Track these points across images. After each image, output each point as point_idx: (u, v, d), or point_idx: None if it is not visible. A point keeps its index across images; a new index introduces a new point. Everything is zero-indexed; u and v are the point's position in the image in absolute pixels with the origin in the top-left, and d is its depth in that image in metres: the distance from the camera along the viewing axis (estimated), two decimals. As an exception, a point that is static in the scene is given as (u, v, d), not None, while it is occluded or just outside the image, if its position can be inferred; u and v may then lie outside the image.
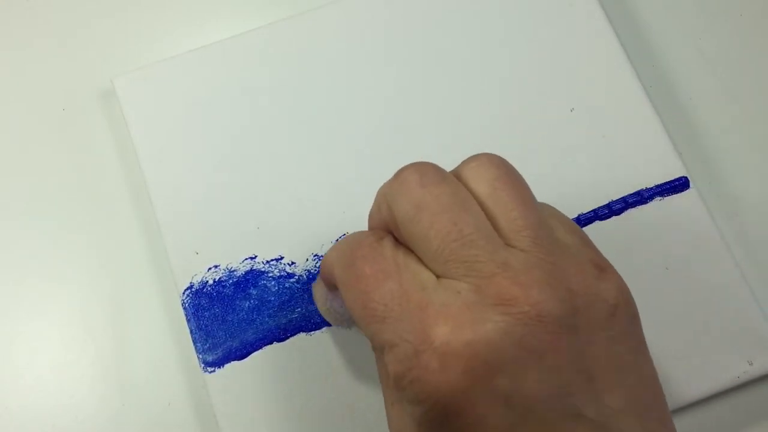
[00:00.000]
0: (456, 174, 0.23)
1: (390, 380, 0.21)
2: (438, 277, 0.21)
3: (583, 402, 0.19)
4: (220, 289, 0.31)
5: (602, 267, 0.22)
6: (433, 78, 0.34)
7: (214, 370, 0.30)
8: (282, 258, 0.31)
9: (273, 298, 0.31)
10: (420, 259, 0.21)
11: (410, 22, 0.35)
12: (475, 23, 0.34)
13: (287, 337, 0.30)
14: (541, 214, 0.22)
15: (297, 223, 0.32)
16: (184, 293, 0.31)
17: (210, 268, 0.31)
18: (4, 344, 0.33)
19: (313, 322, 0.30)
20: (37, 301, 0.33)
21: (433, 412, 0.19)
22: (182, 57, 0.34)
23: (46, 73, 0.37)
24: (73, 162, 0.35)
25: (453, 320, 0.19)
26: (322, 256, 0.31)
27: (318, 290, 0.28)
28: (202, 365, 0.30)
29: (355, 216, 0.32)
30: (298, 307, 0.31)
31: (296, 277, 0.31)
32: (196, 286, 0.31)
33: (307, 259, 0.31)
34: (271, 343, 0.30)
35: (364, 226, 0.31)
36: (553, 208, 0.24)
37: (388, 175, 0.32)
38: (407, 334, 0.20)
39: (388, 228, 0.23)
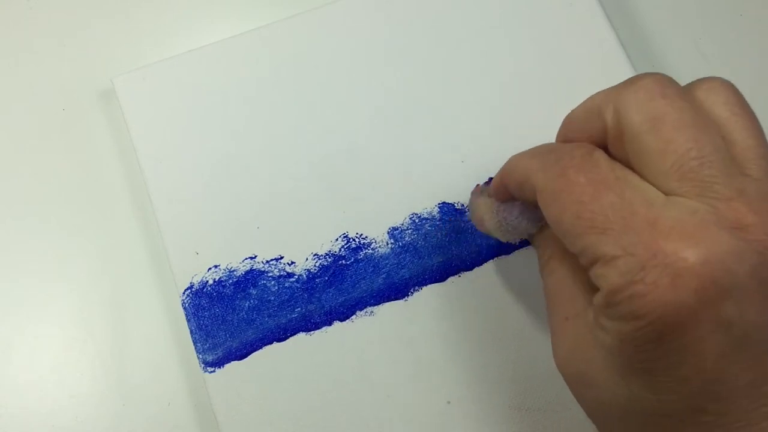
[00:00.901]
0: (689, 92, 0.21)
1: (598, 294, 0.20)
2: (665, 194, 0.20)
3: None
4: (220, 289, 0.31)
5: None
6: (433, 78, 0.34)
7: (214, 370, 0.30)
8: (282, 258, 0.31)
9: (273, 298, 0.31)
10: (641, 176, 0.21)
11: (410, 22, 0.35)
12: (475, 23, 0.34)
13: (287, 337, 0.30)
14: None
15: (297, 223, 0.32)
16: (184, 293, 0.31)
17: (210, 268, 0.31)
18: (4, 344, 0.33)
19: (313, 322, 0.30)
20: (37, 301, 0.33)
21: (649, 328, 0.19)
22: (182, 57, 0.34)
23: (46, 73, 0.37)
24: (73, 162, 0.35)
25: (690, 237, 0.19)
26: (322, 255, 0.31)
27: (481, 203, 0.27)
28: (202, 365, 0.30)
29: (354, 215, 0.32)
30: (298, 307, 0.31)
31: (296, 277, 0.31)
32: (196, 286, 0.31)
33: (307, 259, 0.31)
34: (271, 343, 0.30)
35: (364, 225, 0.31)
36: None
37: (388, 174, 0.32)
38: (633, 247, 0.19)
39: (595, 140, 0.22)
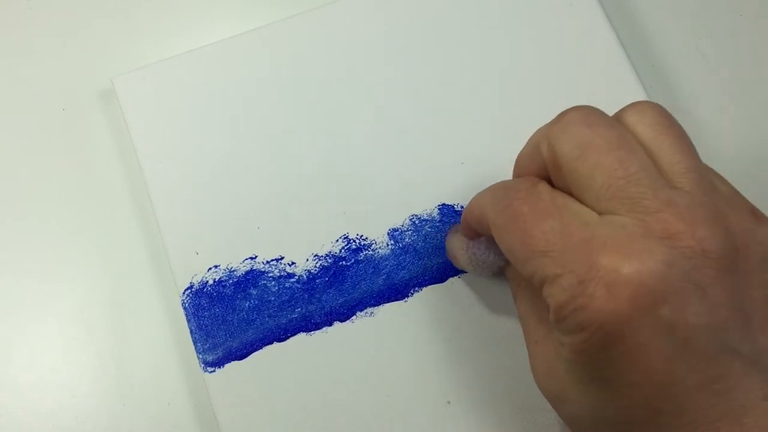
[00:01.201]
0: (617, 119, 0.23)
1: (549, 312, 0.21)
2: (600, 214, 0.21)
3: (738, 339, 0.20)
4: (220, 289, 0.31)
5: (758, 215, 0.23)
6: (433, 78, 0.34)
7: (214, 370, 0.30)
8: (282, 258, 0.31)
9: (273, 298, 0.31)
10: (579, 201, 0.22)
11: (410, 23, 0.35)
12: (475, 23, 0.34)
13: (287, 337, 0.30)
14: (701, 162, 0.23)
15: (297, 223, 0.32)
16: (184, 293, 0.31)
17: (210, 268, 0.31)
18: (4, 344, 0.33)
19: (313, 322, 0.30)
20: (37, 301, 0.33)
21: (594, 338, 0.20)
22: (182, 57, 0.34)
23: (46, 73, 0.37)
24: (73, 162, 0.35)
25: (619, 250, 0.20)
26: (322, 256, 0.31)
27: (454, 241, 0.29)
28: (202, 365, 0.30)
29: (355, 216, 0.32)
30: (298, 307, 0.31)
31: (296, 277, 0.31)
32: (196, 286, 0.31)
33: (307, 259, 0.31)
34: (271, 343, 0.30)
35: (364, 226, 0.32)
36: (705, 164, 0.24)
37: (388, 175, 0.32)
38: (571, 264, 0.20)
39: (540, 174, 0.24)
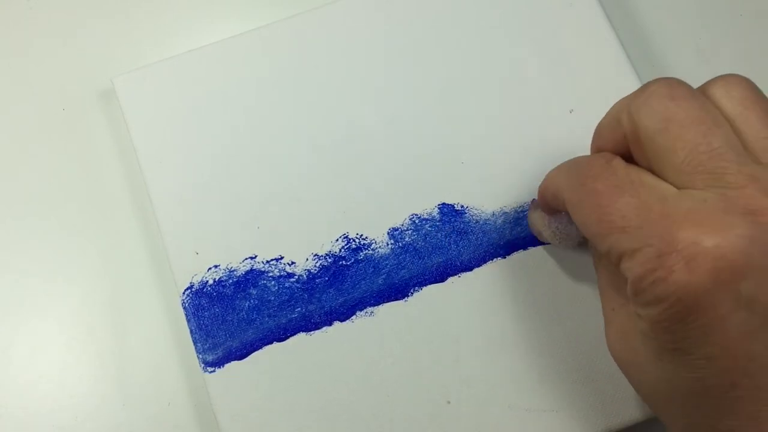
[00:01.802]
0: (702, 91, 0.23)
1: (628, 285, 0.21)
2: (679, 189, 0.21)
3: None
4: (220, 289, 0.31)
5: None
6: (433, 78, 0.34)
7: (214, 370, 0.30)
8: (282, 258, 0.31)
9: (273, 298, 0.31)
10: (658, 175, 0.22)
11: (410, 23, 0.35)
12: (475, 23, 0.34)
13: (287, 337, 0.30)
14: None
15: (297, 223, 0.32)
16: (184, 293, 0.31)
17: (210, 268, 0.31)
18: (4, 344, 0.33)
19: (312, 322, 0.30)
20: (37, 301, 0.33)
21: (672, 310, 0.20)
22: (182, 57, 0.34)
23: (46, 73, 0.37)
24: (73, 162, 0.35)
25: (700, 224, 0.20)
26: (322, 256, 0.31)
27: (536, 217, 0.30)
28: (202, 365, 0.30)
29: (355, 216, 0.32)
30: (298, 307, 0.31)
31: (296, 277, 0.31)
32: (196, 286, 0.31)
33: (307, 259, 0.31)
34: (271, 343, 0.30)
35: (364, 226, 0.32)
36: None
37: (388, 175, 0.32)
38: (650, 238, 0.20)
39: (620, 145, 0.24)
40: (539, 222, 0.30)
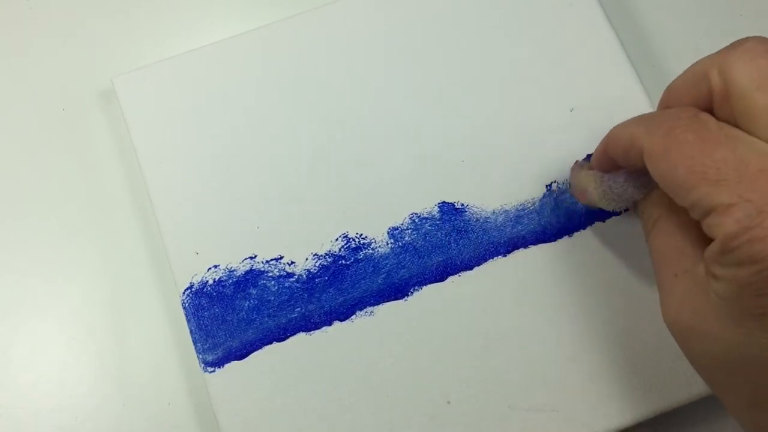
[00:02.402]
0: None
1: (714, 244, 0.21)
2: None
3: None
4: (220, 289, 0.31)
5: None
6: (433, 78, 0.34)
7: (214, 370, 0.30)
8: (282, 258, 0.31)
9: (273, 298, 0.31)
10: (750, 134, 0.21)
11: (410, 23, 0.35)
12: (475, 23, 0.34)
13: (287, 337, 0.30)
14: None
15: (297, 223, 0.32)
16: (184, 293, 0.31)
17: (210, 268, 0.31)
18: (4, 344, 0.33)
19: (312, 322, 0.30)
20: (37, 301, 0.33)
21: (767, 272, 0.19)
22: (182, 57, 0.34)
23: (46, 73, 0.37)
24: (73, 162, 0.35)
25: None
26: (322, 255, 0.31)
27: (583, 176, 0.29)
28: (202, 365, 0.30)
29: (355, 215, 0.32)
30: (297, 307, 0.31)
31: (296, 277, 0.31)
32: (196, 286, 0.31)
33: (307, 259, 0.31)
34: (270, 343, 0.30)
35: (364, 225, 0.31)
36: None
37: (387, 174, 0.32)
38: (749, 194, 0.20)
39: (697, 105, 0.23)
40: (586, 180, 0.29)
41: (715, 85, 0.22)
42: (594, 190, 0.28)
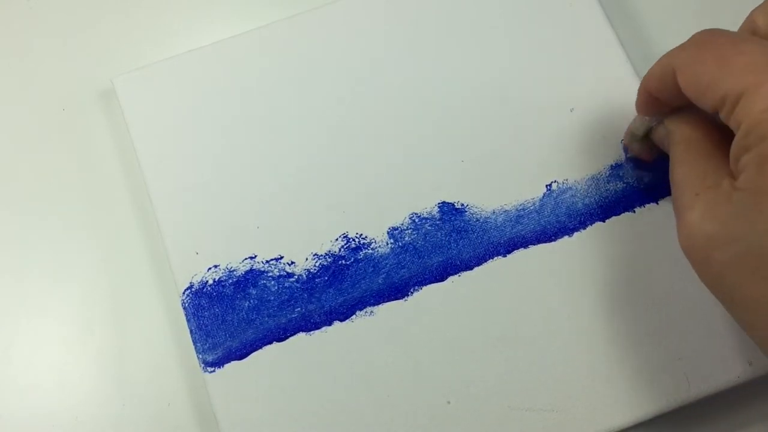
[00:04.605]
0: None
1: (743, 125, 0.22)
2: None
3: None
4: (220, 289, 0.31)
5: None
6: (433, 78, 0.34)
7: (214, 370, 0.30)
8: (282, 258, 0.31)
9: (273, 298, 0.31)
10: None
11: (410, 23, 0.35)
12: (475, 23, 0.34)
13: (287, 337, 0.30)
14: None
15: (297, 223, 0.32)
16: (184, 293, 0.31)
17: (210, 268, 0.31)
18: (4, 344, 0.33)
19: (312, 322, 0.30)
20: (37, 301, 0.33)
21: None
22: (182, 57, 0.34)
23: (46, 73, 0.37)
24: (73, 162, 0.35)
25: None
26: (322, 255, 0.31)
27: (632, 122, 0.30)
28: (202, 365, 0.30)
29: (354, 215, 0.32)
30: (297, 307, 0.31)
31: (296, 277, 0.31)
32: (196, 286, 0.31)
33: (307, 259, 0.31)
34: (270, 343, 0.30)
35: (364, 225, 0.32)
36: None
37: (387, 174, 0.32)
38: None
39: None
40: (635, 126, 0.30)
41: (760, 25, 0.24)
42: (638, 132, 0.30)
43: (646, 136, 0.30)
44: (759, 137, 0.21)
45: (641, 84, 0.28)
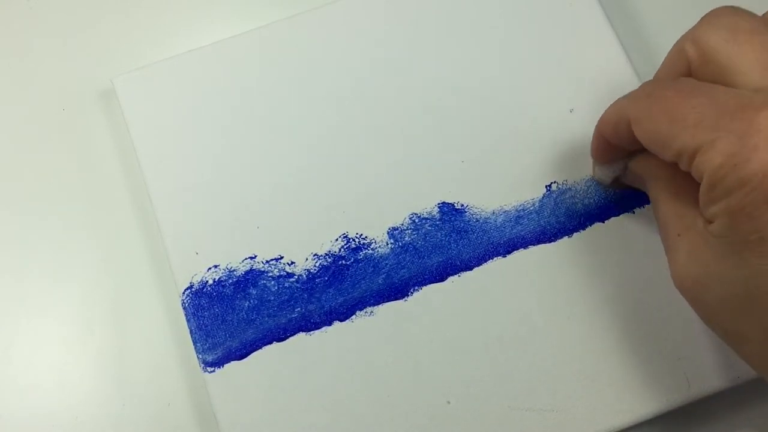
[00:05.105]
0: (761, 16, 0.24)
1: (703, 184, 0.22)
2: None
3: None
4: (220, 289, 0.31)
5: None
6: (433, 78, 0.34)
7: (214, 370, 0.30)
8: (282, 258, 0.31)
9: (273, 298, 0.31)
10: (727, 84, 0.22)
11: (410, 23, 0.35)
12: (475, 23, 0.34)
13: (287, 337, 0.30)
14: None
15: (297, 223, 0.32)
16: (184, 293, 0.31)
17: (210, 268, 0.31)
18: (4, 344, 0.33)
19: (312, 322, 0.30)
20: (37, 301, 0.33)
21: (758, 191, 0.20)
22: (182, 57, 0.34)
23: (46, 74, 0.37)
24: (73, 162, 0.35)
25: None
26: (322, 255, 0.31)
27: (595, 171, 0.31)
28: (202, 365, 0.30)
29: (354, 215, 0.32)
30: (297, 307, 0.31)
31: (296, 277, 0.31)
32: (196, 286, 0.31)
33: (307, 259, 0.31)
34: (270, 343, 0.30)
35: (364, 225, 0.32)
36: None
37: (387, 174, 0.32)
38: (729, 126, 0.21)
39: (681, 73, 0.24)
40: (598, 174, 0.31)
41: (692, 56, 0.24)
42: (604, 180, 0.30)
43: (616, 180, 0.30)
44: (724, 192, 0.21)
45: (595, 132, 0.28)
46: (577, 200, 0.32)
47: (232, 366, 0.30)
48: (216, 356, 0.30)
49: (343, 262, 0.31)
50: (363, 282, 0.31)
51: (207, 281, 0.31)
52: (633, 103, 0.24)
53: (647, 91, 0.24)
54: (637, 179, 0.29)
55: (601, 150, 0.29)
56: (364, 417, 0.29)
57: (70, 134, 0.36)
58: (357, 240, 0.31)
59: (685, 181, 0.24)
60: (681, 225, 0.25)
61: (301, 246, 0.31)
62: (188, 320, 0.31)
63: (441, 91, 0.33)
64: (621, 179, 0.30)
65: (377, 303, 0.31)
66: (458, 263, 0.31)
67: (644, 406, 0.29)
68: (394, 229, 0.32)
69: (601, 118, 0.27)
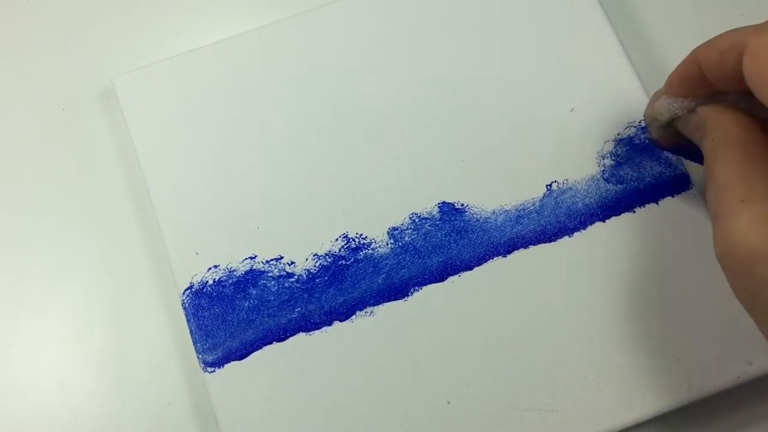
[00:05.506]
0: None
1: None
2: None
3: None
4: (220, 289, 0.31)
5: None
6: (433, 78, 0.34)
7: (214, 370, 0.30)
8: (282, 258, 0.31)
9: (273, 298, 0.31)
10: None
11: (410, 23, 0.35)
12: (475, 23, 0.34)
13: (287, 337, 0.30)
14: None
15: (297, 223, 0.32)
16: (184, 293, 0.31)
17: (210, 268, 0.31)
18: (4, 344, 0.33)
19: (312, 322, 0.30)
20: (37, 301, 0.33)
21: None
22: (182, 57, 0.34)
23: (46, 74, 0.37)
24: (73, 162, 0.35)
25: None
26: (322, 255, 0.31)
27: (658, 104, 0.27)
28: (202, 365, 0.30)
29: (354, 215, 0.32)
30: (297, 307, 0.31)
31: (296, 277, 0.31)
32: (196, 286, 0.31)
33: (307, 259, 0.31)
34: (270, 343, 0.30)
35: (364, 225, 0.32)
36: None
37: (387, 174, 0.32)
38: None
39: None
40: (660, 108, 0.27)
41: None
42: (660, 116, 0.27)
43: (669, 123, 0.28)
44: None
45: (690, 56, 0.25)
46: (577, 200, 0.32)
47: (232, 366, 0.30)
48: (216, 356, 0.30)
49: (343, 262, 0.31)
50: (363, 282, 0.31)
51: (207, 281, 0.31)
52: (757, 33, 0.22)
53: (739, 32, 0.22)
54: (697, 129, 0.26)
55: (683, 77, 0.26)
56: (364, 417, 0.29)
57: (70, 134, 0.36)
58: (357, 240, 0.31)
59: (760, 145, 0.22)
60: (748, 191, 0.22)
61: (301, 246, 0.31)
62: (188, 320, 0.31)
63: (441, 91, 0.34)
64: (677, 123, 0.27)
65: (377, 303, 0.31)
66: (458, 263, 0.31)
67: (644, 406, 0.29)
68: (394, 229, 0.32)
69: (705, 42, 0.24)
